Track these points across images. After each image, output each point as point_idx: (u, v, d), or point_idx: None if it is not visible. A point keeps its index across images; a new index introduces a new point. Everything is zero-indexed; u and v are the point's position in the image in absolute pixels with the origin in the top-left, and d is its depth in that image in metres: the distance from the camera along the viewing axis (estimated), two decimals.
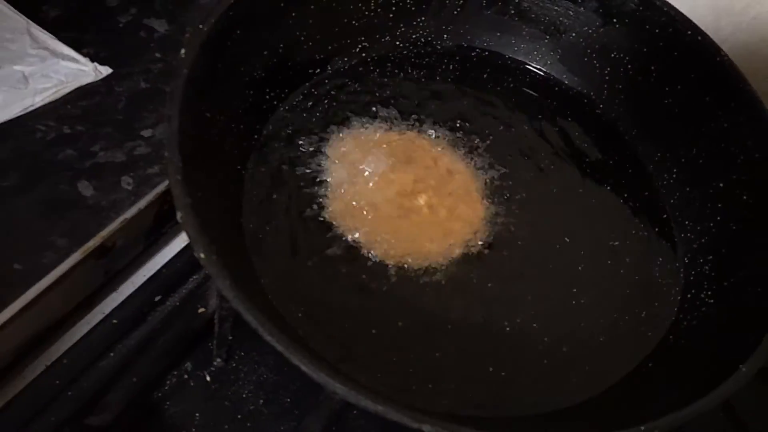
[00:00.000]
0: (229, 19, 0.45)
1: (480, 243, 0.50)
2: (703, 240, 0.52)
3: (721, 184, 0.51)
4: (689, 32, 0.53)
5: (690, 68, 0.54)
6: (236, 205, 0.46)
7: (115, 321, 0.49)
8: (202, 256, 0.33)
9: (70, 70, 0.60)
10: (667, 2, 0.54)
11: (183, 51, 0.40)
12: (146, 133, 0.55)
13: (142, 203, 0.50)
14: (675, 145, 0.56)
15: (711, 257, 0.50)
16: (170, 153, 0.36)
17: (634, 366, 0.46)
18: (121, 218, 0.49)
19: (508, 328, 0.46)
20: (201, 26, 0.42)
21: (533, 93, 0.61)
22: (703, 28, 0.53)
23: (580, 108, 0.61)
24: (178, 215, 0.34)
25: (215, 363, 0.48)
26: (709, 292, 0.48)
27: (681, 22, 0.54)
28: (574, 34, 0.60)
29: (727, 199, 0.51)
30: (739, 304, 0.45)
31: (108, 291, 0.51)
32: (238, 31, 0.46)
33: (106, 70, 0.61)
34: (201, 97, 0.41)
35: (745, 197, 0.49)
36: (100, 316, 0.50)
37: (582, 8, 0.58)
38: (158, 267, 0.52)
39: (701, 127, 0.54)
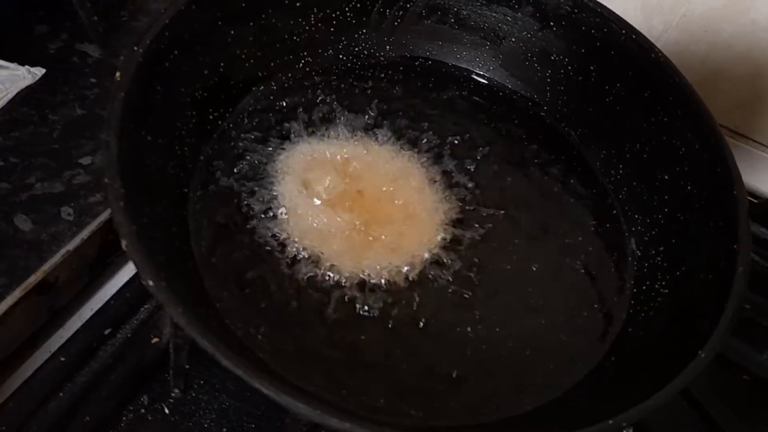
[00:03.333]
0: (164, 40, 0.43)
1: (439, 250, 0.49)
2: (653, 232, 0.53)
3: (666, 176, 0.52)
4: (623, 31, 0.54)
5: (627, 66, 0.55)
6: (184, 228, 0.45)
7: (63, 359, 0.47)
8: (150, 283, 0.32)
9: (4, 77, 0.58)
10: (600, 3, 0.56)
11: (118, 74, 0.39)
12: (85, 160, 0.53)
13: (85, 233, 0.48)
14: (619, 141, 0.57)
15: (662, 248, 0.51)
16: (110, 179, 0.35)
17: (597, 361, 0.47)
18: (63, 251, 0.47)
19: (471, 335, 0.46)
20: (136, 48, 0.41)
21: (478, 99, 0.61)
22: (635, 27, 0.55)
23: (525, 111, 0.62)
24: (123, 243, 0.33)
25: (173, 394, 0.46)
26: (663, 282, 0.49)
27: (615, 21, 0.55)
28: (513, 40, 0.61)
29: (672, 191, 0.52)
30: (692, 291, 0.46)
31: (54, 327, 0.49)
32: (176, 52, 0.45)
33: (39, 71, 0.59)
34: (140, 121, 0.40)
35: (689, 187, 0.50)
36: (47, 355, 0.48)
37: (519, 14, 0.59)
38: (106, 299, 0.50)
39: (642, 123, 0.55)
